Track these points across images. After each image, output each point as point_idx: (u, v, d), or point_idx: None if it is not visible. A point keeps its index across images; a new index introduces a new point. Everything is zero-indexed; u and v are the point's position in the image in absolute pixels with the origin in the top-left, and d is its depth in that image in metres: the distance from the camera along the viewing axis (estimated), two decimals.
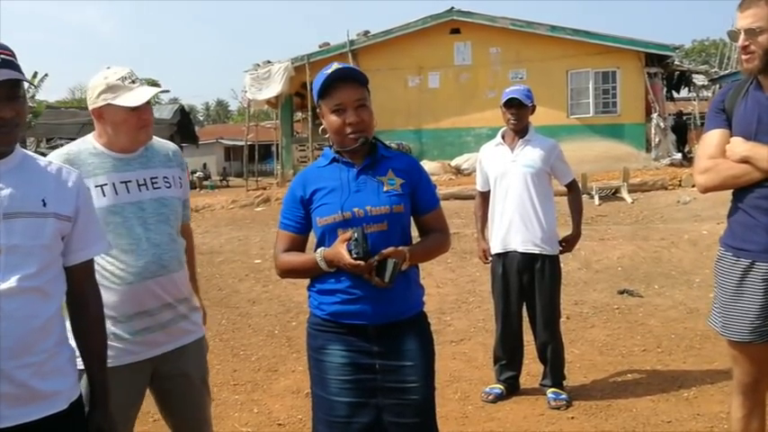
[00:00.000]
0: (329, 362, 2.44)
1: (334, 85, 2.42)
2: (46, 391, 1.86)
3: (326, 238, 2.44)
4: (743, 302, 2.73)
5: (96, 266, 2.32)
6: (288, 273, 2.56)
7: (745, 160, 2.64)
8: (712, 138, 2.78)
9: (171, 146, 2.82)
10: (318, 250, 2.41)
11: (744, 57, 2.66)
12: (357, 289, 2.39)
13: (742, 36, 2.62)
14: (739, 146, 2.67)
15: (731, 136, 2.73)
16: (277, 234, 2.58)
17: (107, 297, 2.34)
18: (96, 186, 2.47)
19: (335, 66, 2.44)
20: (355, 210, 2.39)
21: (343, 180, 2.45)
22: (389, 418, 2.43)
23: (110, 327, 2.34)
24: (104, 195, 2.49)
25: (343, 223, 2.38)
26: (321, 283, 2.47)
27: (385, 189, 2.45)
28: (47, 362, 1.87)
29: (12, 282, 1.79)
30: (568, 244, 4.61)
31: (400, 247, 2.38)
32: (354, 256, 2.27)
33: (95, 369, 2.07)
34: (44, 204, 1.89)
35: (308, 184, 2.50)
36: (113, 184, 2.52)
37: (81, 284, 2.04)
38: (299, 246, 2.54)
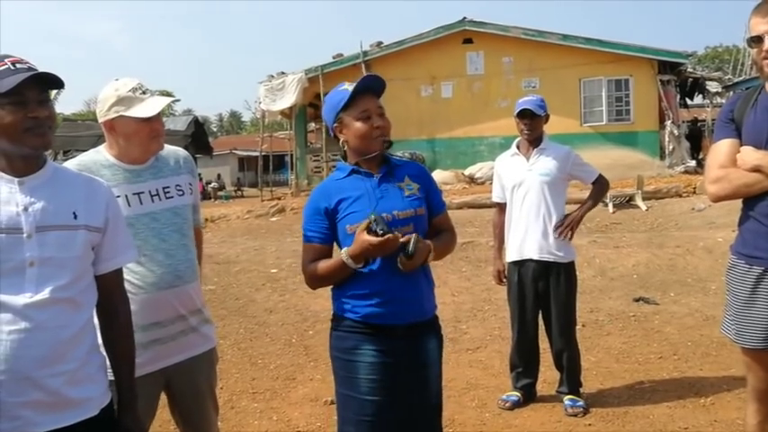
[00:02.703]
0: (360, 362, 2.52)
1: (360, 95, 2.55)
2: (77, 398, 1.91)
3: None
4: (756, 310, 2.73)
5: None
6: (318, 281, 2.61)
7: (756, 169, 2.64)
8: (722, 147, 2.79)
9: (181, 152, 2.82)
10: (343, 250, 2.48)
11: (766, 62, 2.60)
12: (389, 291, 2.50)
13: (767, 41, 2.57)
14: (750, 155, 2.67)
15: (741, 145, 2.75)
16: (303, 248, 2.62)
17: None
18: None
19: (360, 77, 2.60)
20: (383, 215, 2.47)
21: (366, 189, 2.55)
22: (412, 415, 2.56)
23: None
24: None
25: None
26: (354, 288, 2.54)
27: (406, 194, 2.58)
28: (78, 370, 1.92)
29: (45, 293, 1.85)
30: (563, 223, 4.42)
31: (427, 241, 2.53)
32: (381, 233, 2.35)
33: (124, 375, 2.12)
34: (75, 217, 1.95)
35: (332, 195, 2.56)
36: (126, 197, 2.53)
37: (111, 292, 2.10)
38: (325, 256, 2.59)
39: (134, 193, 2.57)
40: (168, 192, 2.65)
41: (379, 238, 2.35)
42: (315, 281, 2.61)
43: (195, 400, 2.73)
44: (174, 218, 2.64)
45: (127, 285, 2.41)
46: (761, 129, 2.67)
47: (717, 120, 2.93)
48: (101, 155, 2.61)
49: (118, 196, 2.47)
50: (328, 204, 2.55)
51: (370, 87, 2.58)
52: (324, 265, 2.55)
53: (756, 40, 2.63)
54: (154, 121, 2.57)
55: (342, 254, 2.47)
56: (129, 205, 2.53)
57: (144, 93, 2.57)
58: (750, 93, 2.80)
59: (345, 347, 2.57)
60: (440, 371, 2.68)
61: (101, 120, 2.60)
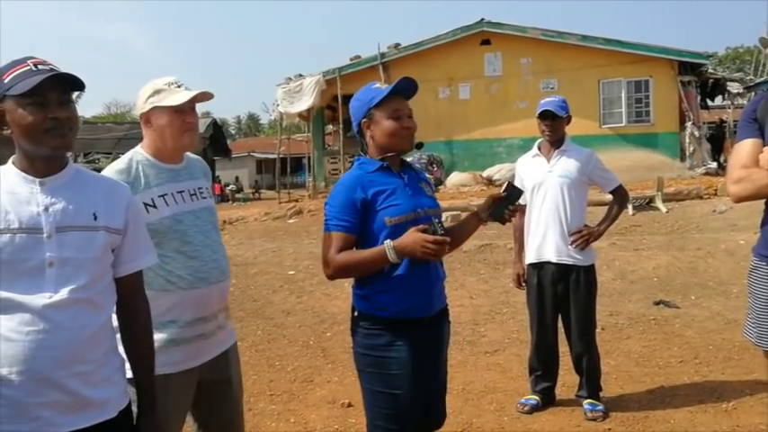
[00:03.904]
0: (392, 357, 2.57)
1: (393, 95, 2.65)
2: (96, 399, 1.91)
3: (392, 236, 2.54)
4: None
5: (163, 272, 2.44)
6: (347, 270, 2.60)
7: None
8: (745, 147, 2.76)
9: (201, 160, 2.90)
10: (387, 242, 2.49)
11: None
12: (418, 286, 2.60)
13: None
14: None
15: (764, 145, 2.72)
16: (328, 237, 2.60)
17: (173, 302, 2.46)
18: (159, 196, 2.55)
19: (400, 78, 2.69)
20: (419, 210, 2.63)
21: (398, 184, 2.64)
22: (431, 397, 2.69)
23: (171, 333, 2.44)
24: (167, 205, 2.55)
25: (413, 221, 2.57)
26: (383, 285, 2.58)
27: (428, 193, 2.76)
28: (97, 371, 1.92)
29: (63, 293, 1.85)
30: (581, 235, 4.36)
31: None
32: (441, 233, 2.46)
33: (143, 377, 2.12)
34: (95, 218, 1.95)
35: (366, 187, 2.60)
36: (172, 194, 2.60)
37: (131, 295, 2.10)
38: (352, 246, 2.59)
39: (178, 192, 2.63)
40: (202, 192, 2.73)
41: (437, 237, 2.43)
42: (343, 271, 2.60)
43: (228, 392, 2.77)
44: (211, 216, 2.73)
45: (178, 281, 2.50)
46: None
47: (740, 120, 2.91)
48: (141, 155, 2.66)
49: (166, 194, 2.57)
50: (365, 195, 2.58)
51: (405, 89, 2.68)
52: (361, 254, 2.56)
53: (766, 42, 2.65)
54: (186, 114, 2.63)
55: (386, 245, 2.48)
56: (177, 203, 2.60)
57: (179, 86, 2.64)
58: None
59: (377, 345, 2.61)
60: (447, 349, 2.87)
61: (138, 113, 2.68)
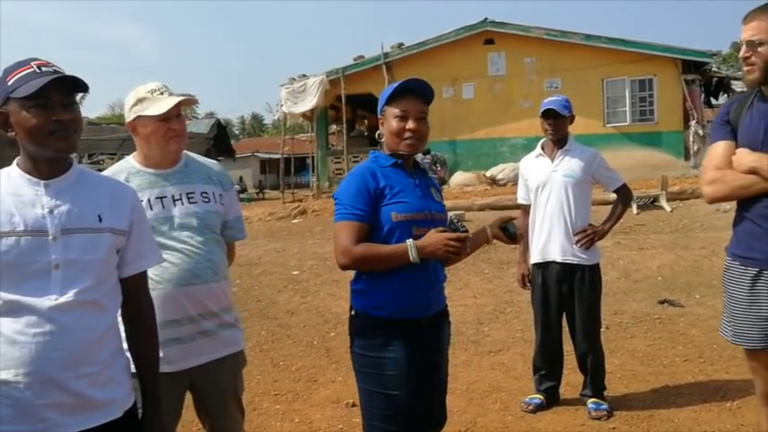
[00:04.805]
0: (388, 358, 2.55)
1: (404, 94, 2.64)
2: (101, 399, 1.92)
3: (397, 232, 2.54)
4: (754, 310, 2.77)
5: None
6: (365, 263, 2.54)
7: (752, 171, 2.68)
8: (718, 149, 2.84)
9: (215, 166, 2.89)
10: (409, 241, 2.48)
11: (745, 68, 2.73)
12: (417, 286, 2.58)
13: (743, 48, 2.68)
14: (746, 157, 2.71)
15: (737, 147, 2.77)
16: (341, 226, 2.55)
17: None
18: None
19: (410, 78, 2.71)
20: (426, 212, 2.61)
21: (409, 183, 2.63)
22: (430, 398, 2.66)
23: None
24: None
25: (421, 221, 2.57)
26: (382, 285, 2.56)
27: (437, 199, 2.75)
28: (102, 372, 1.93)
29: (69, 295, 1.86)
30: (585, 234, 4.36)
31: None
32: (463, 230, 2.56)
33: (148, 377, 2.13)
34: (100, 220, 1.96)
35: (378, 178, 2.59)
36: (149, 201, 2.60)
37: (136, 295, 2.11)
38: (365, 236, 2.54)
39: (157, 197, 2.64)
40: (192, 197, 2.70)
41: (459, 234, 2.47)
42: (361, 263, 2.54)
43: (218, 401, 2.75)
44: (196, 221, 2.68)
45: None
46: (756, 131, 2.72)
47: (713, 122, 3.01)
48: (128, 163, 2.71)
49: (141, 200, 2.52)
50: (376, 186, 2.57)
51: (414, 89, 2.65)
52: (382, 249, 2.50)
53: (738, 47, 2.73)
54: (172, 121, 2.65)
55: (408, 244, 2.46)
56: (152, 209, 2.60)
57: (161, 93, 2.64)
58: (746, 96, 2.87)
59: (373, 345, 2.59)
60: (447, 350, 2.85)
61: (126, 123, 2.70)
